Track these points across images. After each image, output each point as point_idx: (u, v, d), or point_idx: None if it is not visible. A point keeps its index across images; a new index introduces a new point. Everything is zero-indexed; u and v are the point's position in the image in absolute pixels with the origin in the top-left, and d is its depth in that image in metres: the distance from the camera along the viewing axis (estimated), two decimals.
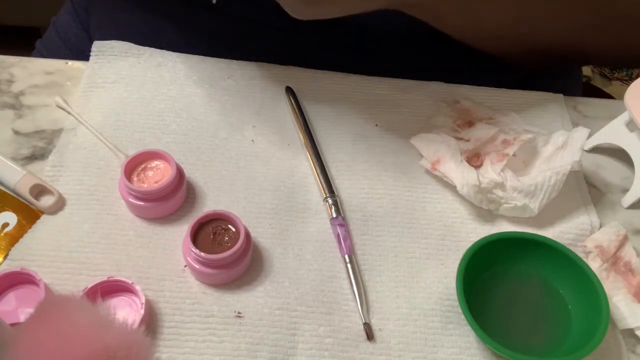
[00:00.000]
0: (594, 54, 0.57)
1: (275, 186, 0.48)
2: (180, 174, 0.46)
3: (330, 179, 0.48)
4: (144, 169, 0.46)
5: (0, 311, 0.39)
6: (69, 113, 0.51)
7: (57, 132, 0.50)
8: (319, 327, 0.41)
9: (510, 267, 0.44)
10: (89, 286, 0.40)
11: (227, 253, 0.41)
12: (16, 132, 0.50)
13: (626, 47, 0.54)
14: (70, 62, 0.56)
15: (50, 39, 0.71)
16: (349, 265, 0.44)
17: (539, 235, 0.44)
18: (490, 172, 0.47)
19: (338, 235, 0.45)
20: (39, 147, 0.49)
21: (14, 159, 0.48)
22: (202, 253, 0.41)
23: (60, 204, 0.46)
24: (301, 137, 0.51)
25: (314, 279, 0.44)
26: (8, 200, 0.45)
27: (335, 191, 0.48)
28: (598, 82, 1.59)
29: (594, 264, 0.44)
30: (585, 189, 0.50)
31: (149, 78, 0.54)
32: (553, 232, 0.45)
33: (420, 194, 0.49)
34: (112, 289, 0.41)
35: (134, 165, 0.46)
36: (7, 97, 0.52)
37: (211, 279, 0.42)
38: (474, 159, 0.49)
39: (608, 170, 0.52)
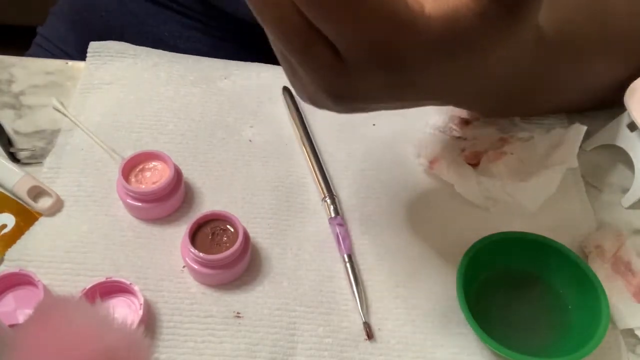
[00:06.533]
0: None
1: (273, 186, 0.48)
2: (178, 174, 0.46)
3: (328, 179, 0.48)
4: (142, 170, 0.46)
5: None
6: (65, 115, 0.51)
7: (56, 133, 0.50)
8: (318, 327, 0.41)
9: (510, 267, 0.44)
10: (88, 287, 0.40)
11: (226, 253, 0.41)
12: (16, 132, 0.50)
13: None
14: (71, 62, 0.55)
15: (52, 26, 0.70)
16: (348, 264, 0.44)
17: (539, 235, 0.44)
18: (488, 170, 0.47)
19: (337, 235, 0.45)
20: (38, 148, 0.49)
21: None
22: (200, 253, 0.41)
23: (58, 206, 0.45)
24: (299, 136, 0.51)
25: (312, 279, 0.44)
26: (6, 202, 0.45)
27: (333, 191, 0.48)
28: None
29: (594, 264, 0.44)
30: (582, 188, 0.49)
31: (145, 78, 0.54)
32: (553, 232, 0.44)
33: (419, 193, 0.49)
34: (110, 289, 0.41)
35: (131, 166, 0.46)
36: (7, 97, 0.52)
37: (210, 279, 0.42)
38: (472, 158, 0.49)
39: (608, 170, 0.52)
